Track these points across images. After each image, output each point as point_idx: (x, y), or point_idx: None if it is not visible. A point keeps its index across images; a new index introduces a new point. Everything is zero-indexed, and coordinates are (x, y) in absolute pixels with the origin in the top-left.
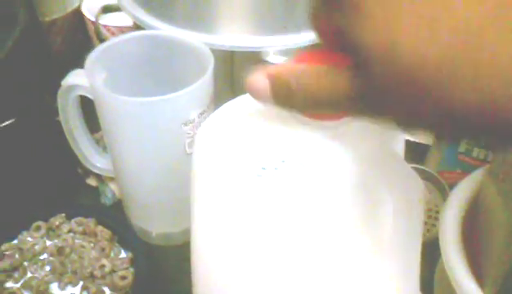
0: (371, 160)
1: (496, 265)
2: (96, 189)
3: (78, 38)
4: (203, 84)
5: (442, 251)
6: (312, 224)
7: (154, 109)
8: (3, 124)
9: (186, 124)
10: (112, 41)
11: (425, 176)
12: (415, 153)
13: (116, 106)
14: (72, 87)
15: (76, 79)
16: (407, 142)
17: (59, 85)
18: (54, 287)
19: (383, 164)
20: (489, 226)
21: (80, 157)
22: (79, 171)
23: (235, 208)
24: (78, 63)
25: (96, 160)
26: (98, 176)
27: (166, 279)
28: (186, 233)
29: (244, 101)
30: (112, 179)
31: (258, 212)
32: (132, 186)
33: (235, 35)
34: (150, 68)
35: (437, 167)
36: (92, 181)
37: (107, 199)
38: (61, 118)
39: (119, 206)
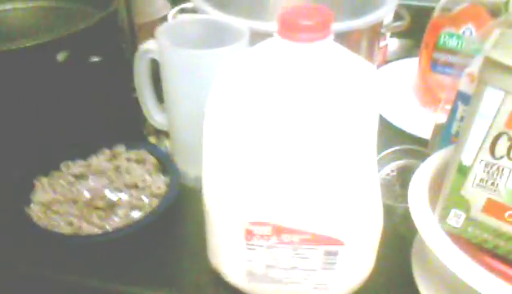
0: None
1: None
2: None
3: None
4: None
5: (409, 197)
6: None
7: (204, 61)
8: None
9: None
10: (177, 20)
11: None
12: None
13: (176, 58)
14: (146, 51)
15: (150, 45)
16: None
17: None
18: (108, 192)
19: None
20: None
21: (144, 110)
22: (144, 131)
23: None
24: None
25: (156, 114)
26: (157, 135)
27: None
28: None
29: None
30: (167, 136)
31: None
32: (179, 132)
33: None
34: (205, 46)
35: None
36: (152, 139)
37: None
38: (135, 77)
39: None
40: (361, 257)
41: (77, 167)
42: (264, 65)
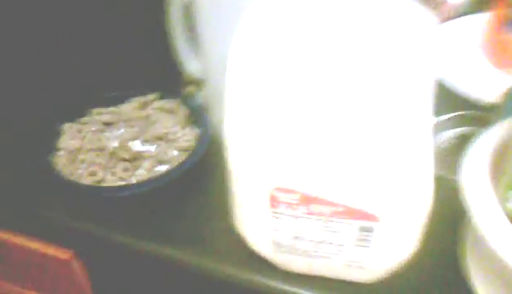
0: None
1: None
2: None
3: None
4: None
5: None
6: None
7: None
8: None
9: None
10: None
11: None
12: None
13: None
14: None
15: None
16: None
17: None
18: (136, 142)
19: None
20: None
21: (178, 57)
22: (181, 79)
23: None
24: None
25: (190, 62)
26: (195, 84)
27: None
28: None
29: None
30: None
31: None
32: (215, 81)
33: None
34: None
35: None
36: (189, 88)
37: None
38: (167, 20)
39: None
40: (403, 236)
41: (107, 114)
42: (300, 7)
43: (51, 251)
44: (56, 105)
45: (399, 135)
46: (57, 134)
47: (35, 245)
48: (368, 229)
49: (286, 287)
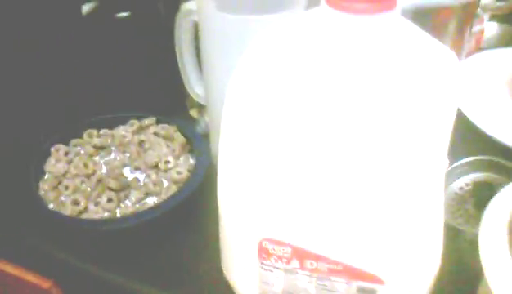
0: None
1: None
2: (196, 120)
3: None
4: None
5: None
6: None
7: (251, 29)
8: None
9: None
10: None
11: None
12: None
13: (219, 23)
14: (188, 12)
15: (192, 6)
16: None
17: None
18: (126, 169)
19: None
20: None
21: (184, 80)
22: (186, 103)
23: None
24: None
25: (196, 86)
26: (200, 109)
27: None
28: None
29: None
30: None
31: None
32: (217, 108)
33: None
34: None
35: None
36: (194, 113)
37: (199, 128)
38: (176, 41)
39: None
40: None
41: (100, 137)
42: (305, 43)
43: (32, 278)
44: (50, 126)
45: (407, 186)
46: (46, 156)
47: (16, 271)
48: (369, 291)
49: None
